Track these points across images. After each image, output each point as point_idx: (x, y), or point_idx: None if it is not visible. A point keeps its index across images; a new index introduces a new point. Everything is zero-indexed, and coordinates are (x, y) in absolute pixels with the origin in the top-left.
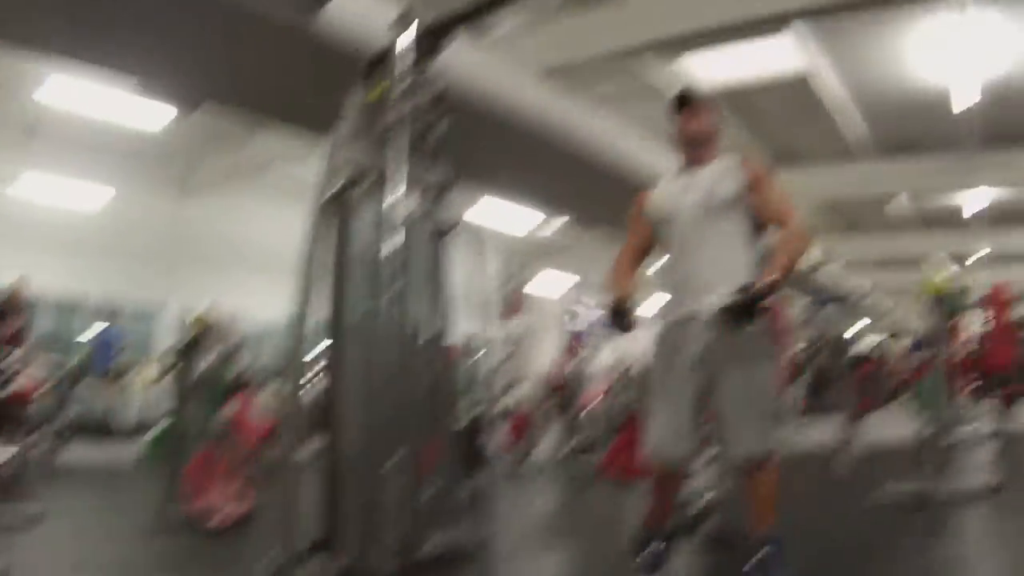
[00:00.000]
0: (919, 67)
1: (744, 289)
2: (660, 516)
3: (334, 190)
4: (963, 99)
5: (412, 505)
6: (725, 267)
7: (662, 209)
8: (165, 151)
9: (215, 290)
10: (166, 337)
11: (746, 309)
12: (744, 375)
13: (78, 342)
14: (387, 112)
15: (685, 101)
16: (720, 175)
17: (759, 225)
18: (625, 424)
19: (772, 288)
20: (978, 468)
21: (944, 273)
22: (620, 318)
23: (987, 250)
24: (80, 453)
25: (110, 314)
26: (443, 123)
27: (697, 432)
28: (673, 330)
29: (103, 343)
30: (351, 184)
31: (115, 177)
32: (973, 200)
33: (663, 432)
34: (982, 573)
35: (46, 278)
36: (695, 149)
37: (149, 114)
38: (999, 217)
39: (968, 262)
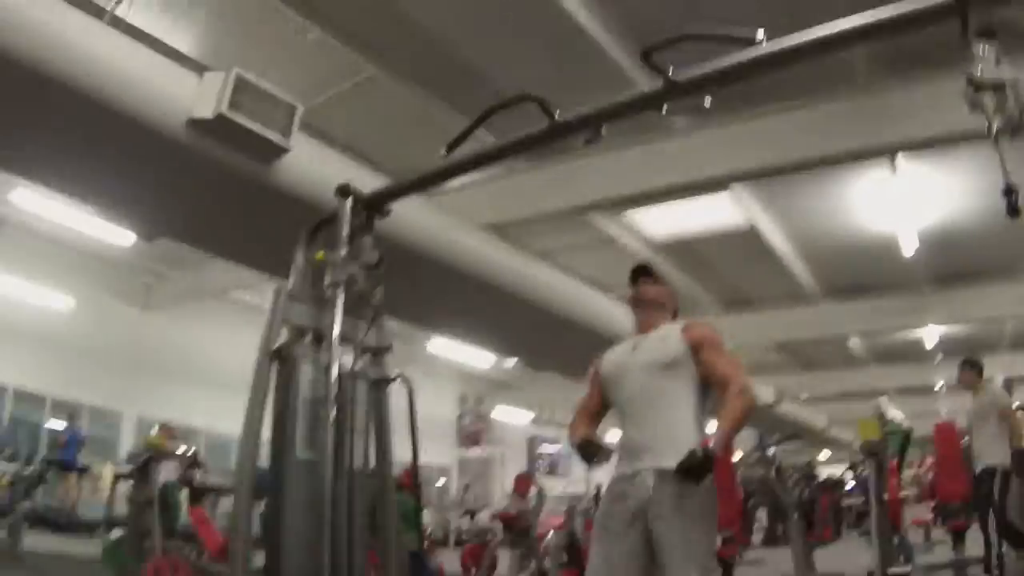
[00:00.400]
0: (859, 217)
1: (693, 453)
2: None
3: (276, 344)
4: (906, 245)
5: None
6: (669, 428)
7: (612, 372)
8: (130, 266)
9: (172, 401)
10: (125, 441)
11: (696, 471)
12: (684, 532)
13: (47, 433)
14: (328, 274)
15: (640, 272)
16: (665, 340)
17: (706, 387)
18: (576, 557)
19: (719, 451)
20: None
21: (876, 420)
22: (589, 450)
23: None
24: (46, 543)
25: (70, 413)
26: (379, 289)
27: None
28: (619, 484)
29: (69, 439)
30: (292, 340)
31: (81, 284)
32: (927, 336)
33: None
34: None
35: (9, 370)
36: (646, 315)
37: (115, 231)
38: (950, 350)
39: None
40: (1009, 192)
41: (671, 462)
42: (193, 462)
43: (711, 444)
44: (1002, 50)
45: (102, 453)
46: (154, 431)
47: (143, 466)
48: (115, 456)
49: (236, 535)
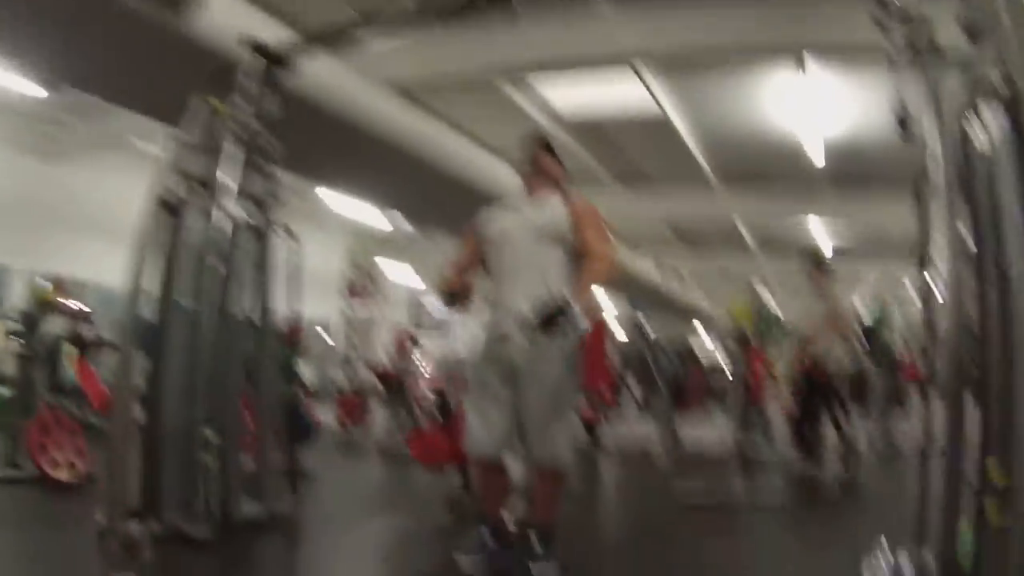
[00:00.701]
0: (765, 114)
1: (546, 304)
2: (489, 505)
3: (168, 191)
4: (810, 149)
5: (228, 474)
6: (541, 289)
7: (494, 233)
8: (32, 116)
9: (63, 253)
10: (11, 296)
11: (548, 320)
12: (544, 385)
13: None
14: (228, 126)
15: (539, 144)
16: (549, 210)
17: (579, 257)
18: (444, 415)
19: (569, 305)
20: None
21: (748, 305)
22: (452, 299)
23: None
24: None
25: None
26: (275, 142)
27: (508, 431)
28: (490, 341)
29: None
30: (185, 187)
31: None
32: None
33: (477, 430)
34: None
35: None
36: (537, 184)
37: (22, 83)
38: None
39: None
40: (902, 120)
41: (534, 314)
42: (83, 316)
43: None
44: None
45: None
46: (44, 285)
47: (31, 321)
48: (7, 311)
49: (119, 385)
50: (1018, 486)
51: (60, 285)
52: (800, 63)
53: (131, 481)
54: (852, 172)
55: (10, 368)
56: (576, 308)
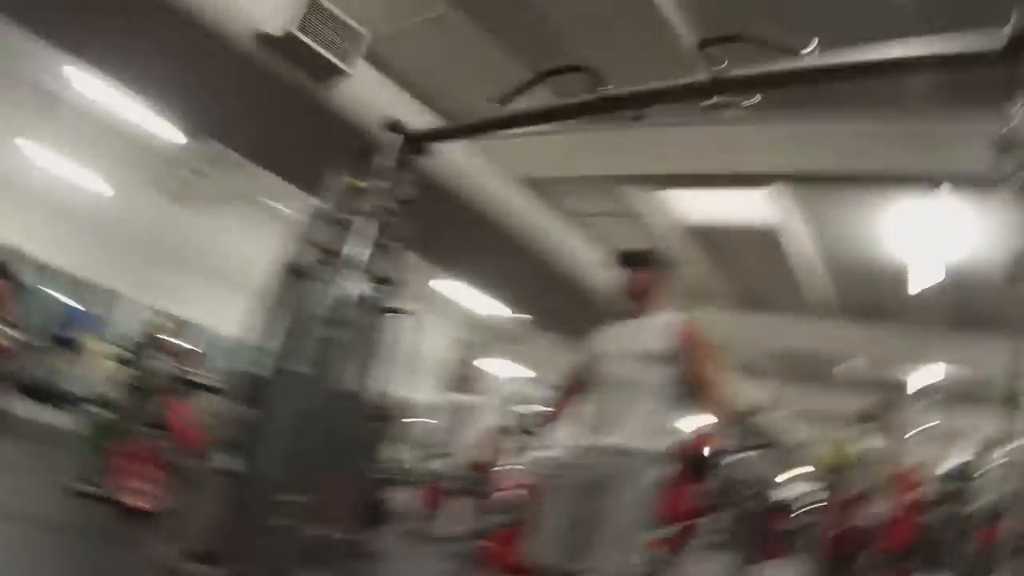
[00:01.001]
0: (890, 241)
1: (695, 452)
2: None
3: (300, 258)
4: (925, 278)
5: (296, 539)
6: (639, 413)
7: (598, 350)
8: (172, 160)
9: (182, 293)
10: (126, 326)
11: (697, 466)
12: (628, 510)
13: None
14: (362, 201)
15: (628, 260)
16: (654, 330)
17: (685, 384)
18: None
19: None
20: None
21: (841, 448)
22: (551, 417)
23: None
24: (30, 411)
25: (77, 289)
26: (407, 224)
27: (575, 545)
28: (580, 453)
29: (72, 315)
30: (315, 257)
31: (122, 170)
32: (922, 376)
33: (544, 538)
34: None
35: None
36: (635, 302)
37: (165, 128)
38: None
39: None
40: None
41: (633, 443)
42: (190, 357)
43: (705, 449)
44: None
45: (106, 334)
46: (159, 321)
47: (143, 352)
48: (119, 339)
49: (216, 431)
50: None
51: (176, 324)
52: (932, 189)
53: (204, 524)
54: (969, 313)
55: (116, 394)
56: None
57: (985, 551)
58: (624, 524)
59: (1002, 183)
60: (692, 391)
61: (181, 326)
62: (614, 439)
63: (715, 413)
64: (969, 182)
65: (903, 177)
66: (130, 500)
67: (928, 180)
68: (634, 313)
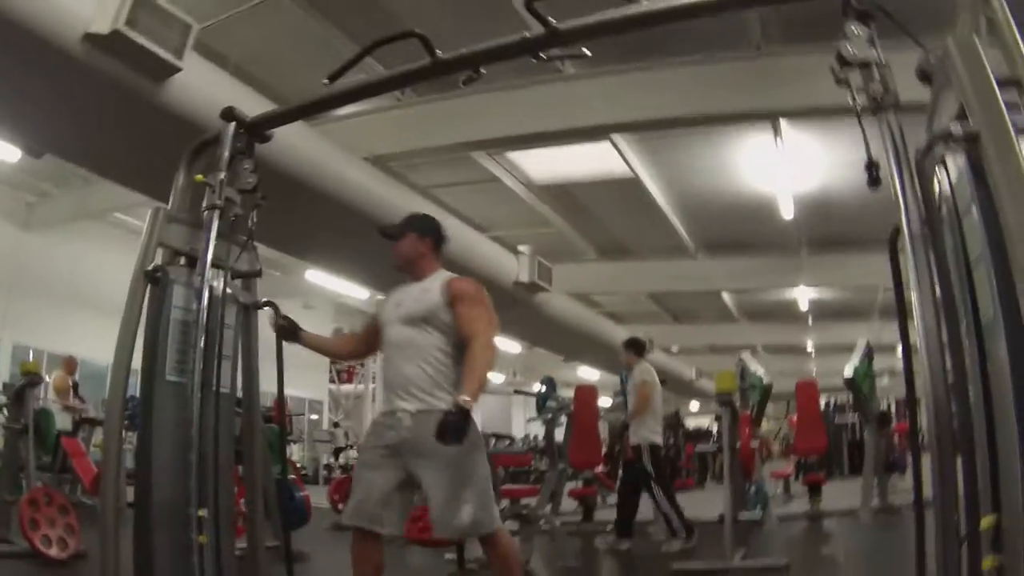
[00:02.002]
0: (740, 177)
1: (446, 417)
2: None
3: (149, 266)
4: (785, 208)
5: (222, 554)
6: (424, 374)
7: (380, 317)
8: (12, 183)
9: (48, 325)
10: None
11: (454, 431)
12: (447, 469)
13: None
14: (209, 197)
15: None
16: (426, 292)
17: (460, 339)
18: None
19: (471, 405)
20: (773, 547)
21: (734, 373)
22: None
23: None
24: None
25: None
26: (253, 214)
27: (391, 506)
28: (380, 421)
29: None
30: (166, 262)
31: None
32: (801, 297)
33: (358, 496)
34: None
35: None
36: (407, 270)
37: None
38: (823, 314)
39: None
40: (870, 166)
41: (423, 405)
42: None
43: (460, 400)
44: (879, 33)
45: None
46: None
47: (19, 393)
48: None
49: (106, 462)
50: (1008, 526)
51: (71, 363)
52: (775, 124)
53: (123, 560)
54: (829, 232)
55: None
56: (464, 405)
57: (888, 450)
58: (459, 480)
59: (854, 108)
60: (465, 345)
61: (53, 361)
62: (404, 403)
63: (484, 359)
64: (812, 112)
65: (746, 114)
66: (46, 549)
67: (771, 114)
68: (410, 278)
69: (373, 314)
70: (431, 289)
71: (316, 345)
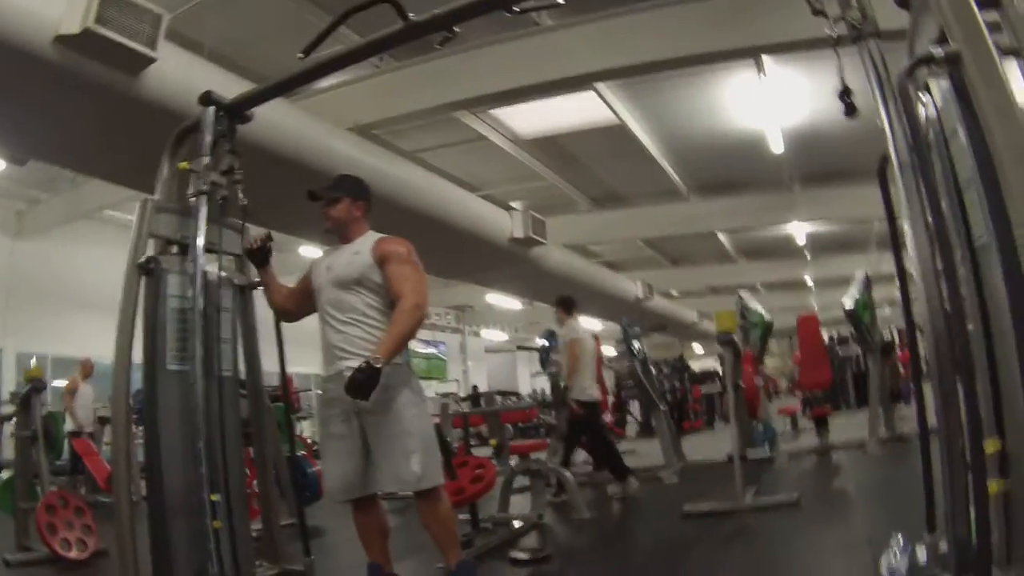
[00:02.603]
0: (727, 116)
1: (360, 369)
2: (371, 550)
3: (142, 258)
4: (774, 144)
5: (238, 537)
6: (359, 335)
7: (314, 280)
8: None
9: (51, 331)
10: (7, 379)
11: (363, 387)
12: (389, 423)
13: None
14: (195, 183)
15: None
16: (354, 255)
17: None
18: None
19: (383, 363)
20: (783, 483)
21: (734, 312)
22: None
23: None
24: None
25: None
26: (240, 195)
27: (366, 467)
28: (326, 386)
29: None
30: (159, 251)
31: None
32: (796, 232)
33: (335, 473)
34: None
35: None
36: (337, 232)
37: None
38: (820, 247)
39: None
40: (844, 94)
41: (348, 380)
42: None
43: (371, 358)
44: None
45: None
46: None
47: (25, 400)
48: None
49: (116, 457)
50: (1012, 452)
51: (87, 366)
52: (758, 61)
53: (142, 554)
54: (820, 166)
55: (13, 451)
56: (373, 362)
57: (893, 380)
58: (400, 434)
59: (831, 36)
60: (394, 299)
61: (58, 364)
62: (346, 362)
63: (407, 318)
64: (793, 46)
65: (728, 52)
66: (66, 552)
67: (753, 50)
68: (340, 240)
69: (305, 275)
70: (361, 251)
71: (270, 283)
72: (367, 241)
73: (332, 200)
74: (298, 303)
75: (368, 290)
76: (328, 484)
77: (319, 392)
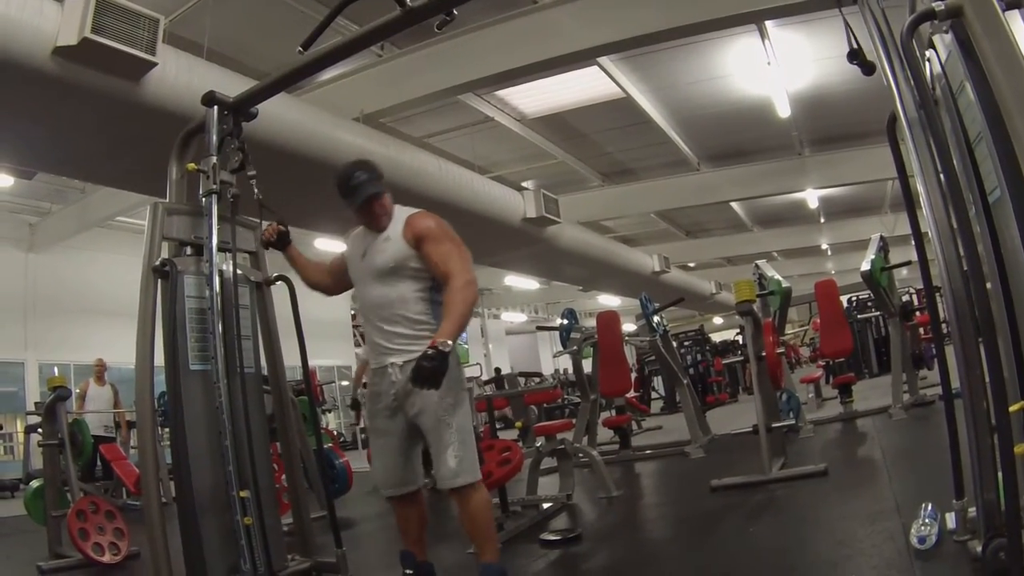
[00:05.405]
0: (732, 84)
1: (427, 356)
2: (407, 539)
3: (157, 261)
4: (781, 108)
5: (269, 533)
6: (403, 326)
7: (351, 270)
8: (9, 207)
9: (71, 340)
10: (32, 390)
11: (431, 375)
12: (435, 412)
13: None
14: (201, 184)
15: (359, 196)
16: (385, 241)
17: (434, 277)
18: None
19: (448, 347)
20: (810, 453)
21: (751, 281)
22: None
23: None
24: None
25: None
26: (255, 191)
27: (410, 462)
28: (374, 380)
29: None
30: (173, 254)
31: None
32: (809, 198)
33: (380, 468)
34: (794, 545)
35: None
36: (372, 225)
37: None
38: (833, 211)
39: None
40: (853, 55)
41: (409, 356)
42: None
43: (438, 342)
44: None
45: (10, 408)
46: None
47: (50, 409)
48: (24, 409)
49: (145, 459)
50: None
51: (101, 365)
52: (760, 26)
53: (174, 554)
54: (829, 129)
55: (43, 460)
56: (441, 347)
57: (914, 343)
58: (444, 421)
59: None
60: (443, 283)
61: (80, 372)
62: (392, 357)
63: (462, 297)
64: (795, 9)
65: (729, 18)
66: (99, 557)
67: (754, 15)
68: (370, 227)
69: (341, 254)
70: (392, 236)
71: (297, 261)
72: (396, 223)
73: (375, 195)
74: (335, 278)
75: (407, 278)
76: (376, 478)
77: (361, 386)
